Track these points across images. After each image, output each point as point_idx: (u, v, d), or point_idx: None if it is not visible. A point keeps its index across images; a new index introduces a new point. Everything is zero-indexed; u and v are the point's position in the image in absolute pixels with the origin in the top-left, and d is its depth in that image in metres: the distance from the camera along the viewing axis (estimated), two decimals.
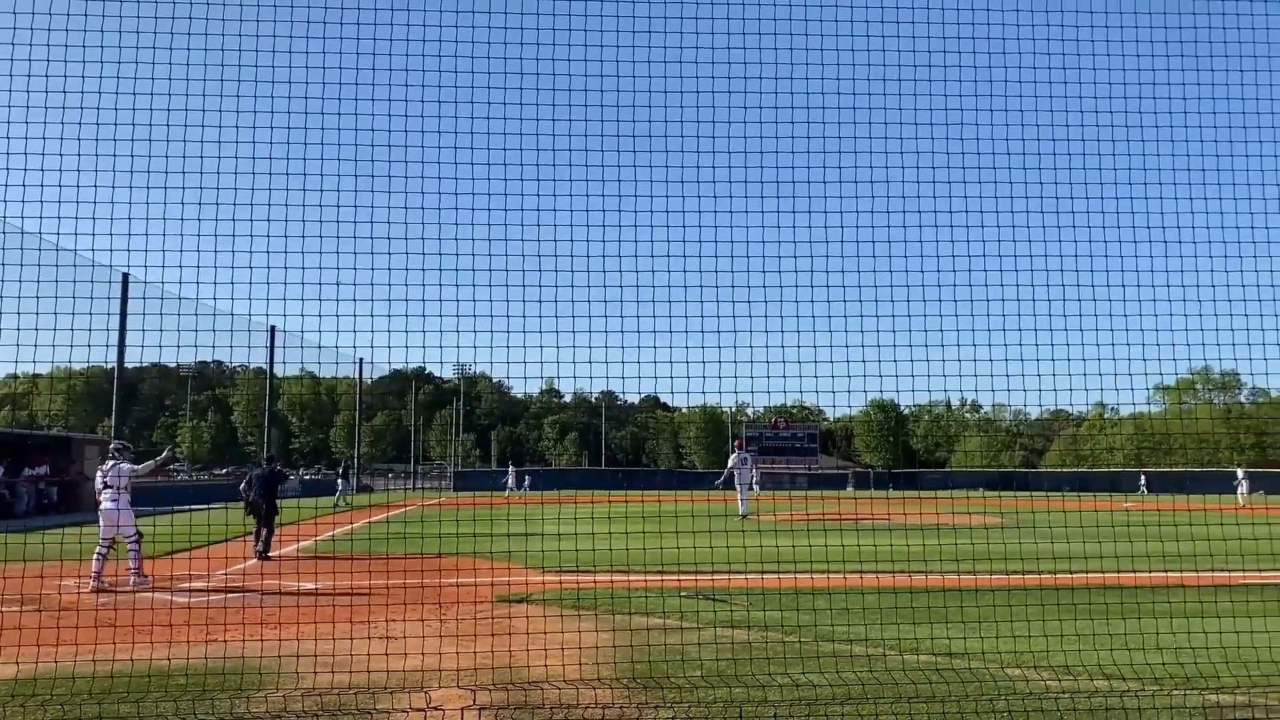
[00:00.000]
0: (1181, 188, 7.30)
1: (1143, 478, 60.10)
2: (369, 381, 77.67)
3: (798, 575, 9.94)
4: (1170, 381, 77.96)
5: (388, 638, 7.89)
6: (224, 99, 6.80)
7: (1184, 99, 7.19)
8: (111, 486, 12.89)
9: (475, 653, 7.84)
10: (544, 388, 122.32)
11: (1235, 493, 45.54)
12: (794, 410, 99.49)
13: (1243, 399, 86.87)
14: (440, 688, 6.84)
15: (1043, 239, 7.18)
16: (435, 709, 6.33)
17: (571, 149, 6.71)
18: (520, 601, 10.88)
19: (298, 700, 6.53)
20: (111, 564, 12.71)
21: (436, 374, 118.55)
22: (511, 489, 59.23)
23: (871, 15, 6.76)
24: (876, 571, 11.98)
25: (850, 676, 7.25)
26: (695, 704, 6.71)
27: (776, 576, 10.47)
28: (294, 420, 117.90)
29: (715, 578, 11.60)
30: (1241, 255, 7.31)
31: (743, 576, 11.26)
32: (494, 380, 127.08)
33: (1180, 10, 7.14)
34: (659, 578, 11.96)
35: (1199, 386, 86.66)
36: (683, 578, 11.52)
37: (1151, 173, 7.31)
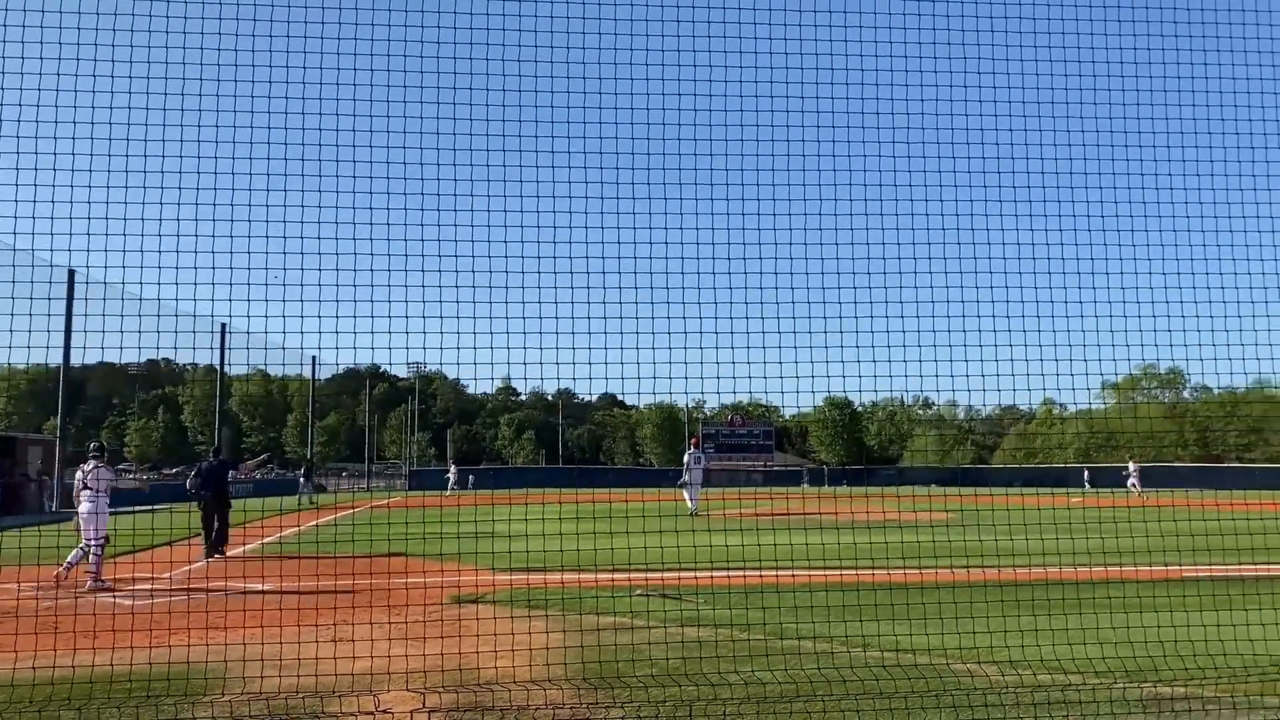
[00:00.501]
0: (1122, 191, 7.46)
1: (1086, 473, 61.01)
2: (322, 380, 76.79)
3: (748, 574, 10.01)
4: (1117, 379, 79.58)
5: (338, 640, 7.82)
6: (168, 96, 6.70)
7: (1136, 99, 7.35)
8: (91, 488, 12.92)
9: (427, 654, 7.80)
10: (500, 386, 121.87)
11: (1125, 485, 46.20)
12: (750, 407, 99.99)
13: (1187, 395, 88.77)
14: (390, 690, 6.80)
15: (986, 241, 7.30)
16: (384, 712, 6.30)
17: (522, 148, 6.72)
18: (473, 602, 10.84)
19: (245, 704, 6.46)
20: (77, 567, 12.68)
21: (391, 372, 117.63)
22: (454, 488, 57.64)
23: (805, 19, 6.83)
24: (827, 569, 12.11)
25: (801, 674, 7.32)
26: (647, 703, 6.74)
27: (729, 575, 10.54)
28: (245, 419, 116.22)
29: (669, 576, 11.65)
30: (1179, 258, 7.48)
31: (695, 575, 11.32)
32: (450, 378, 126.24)
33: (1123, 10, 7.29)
34: (613, 577, 11.97)
35: (1145, 384, 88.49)
36: (637, 576, 11.55)
37: (1093, 176, 7.46)
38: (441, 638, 8.23)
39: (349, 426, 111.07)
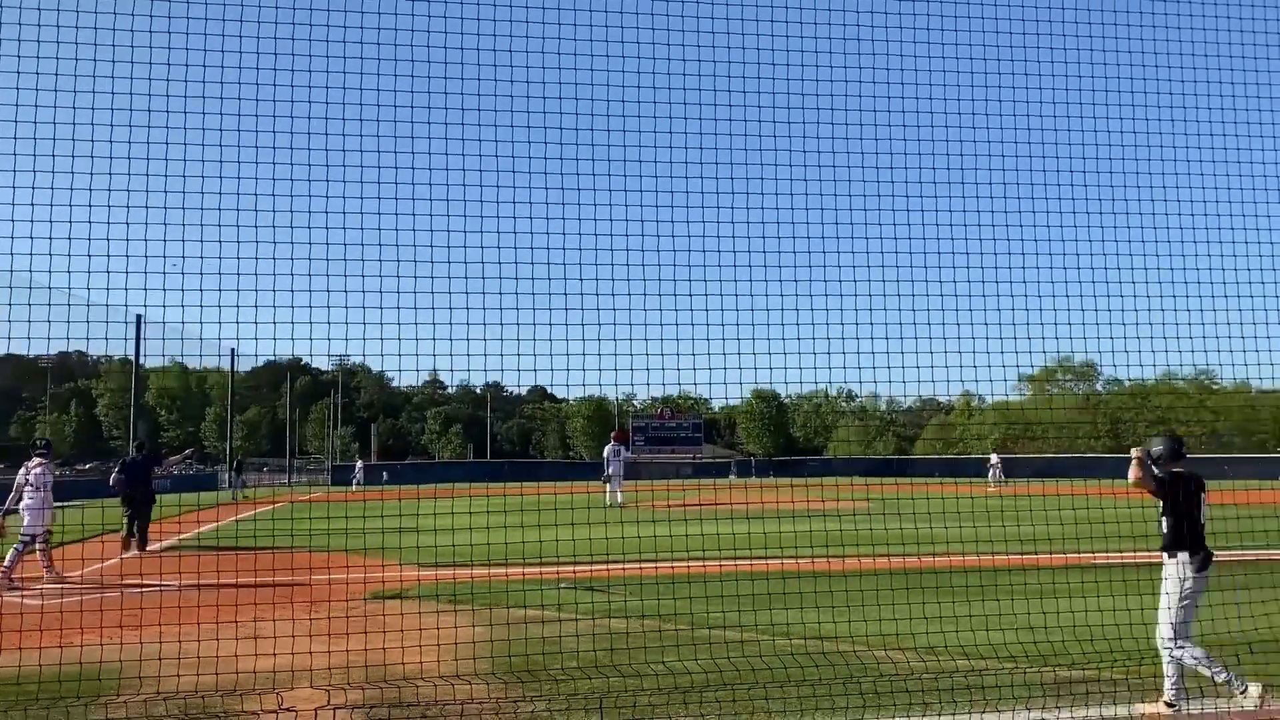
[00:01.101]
0: (1040, 189, 7.66)
1: (998, 461, 62.27)
2: (242, 373, 74.96)
3: (674, 564, 10.09)
4: (1033, 371, 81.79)
5: (255, 637, 7.68)
6: (78, 79, 6.47)
7: (1053, 96, 7.54)
8: (33, 485, 13.06)
9: (345, 651, 7.69)
10: (427, 379, 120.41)
11: (987, 476, 47.50)
12: (680, 400, 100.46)
13: (1099, 388, 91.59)
14: (294, 688, 6.70)
15: (908, 237, 7.45)
16: (287, 710, 6.20)
17: (449, 136, 6.62)
18: (393, 598, 10.71)
19: (155, 705, 6.31)
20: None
21: (313, 365, 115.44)
22: (359, 483, 54.88)
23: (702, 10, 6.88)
24: (751, 558, 12.24)
25: (724, 662, 7.39)
26: (569, 695, 6.75)
27: (654, 565, 10.60)
28: (163, 413, 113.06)
29: (594, 568, 11.66)
30: (1092, 253, 7.72)
31: (621, 566, 11.35)
32: (374, 371, 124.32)
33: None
34: (537, 570, 11.95)
35: (1059, 376, 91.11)
36: (561, 569, 11.54)
37: (1011, 173, 7.65)
38: (363, 632, 8.11)
39: (270, 420, 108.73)
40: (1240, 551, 13.81)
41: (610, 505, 26.45)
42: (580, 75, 6.59)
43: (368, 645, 7.20)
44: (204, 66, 6.35)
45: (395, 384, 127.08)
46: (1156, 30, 7.40)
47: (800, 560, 10.94)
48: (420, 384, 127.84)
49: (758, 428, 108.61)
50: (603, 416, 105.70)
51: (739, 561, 11.71)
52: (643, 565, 10.65)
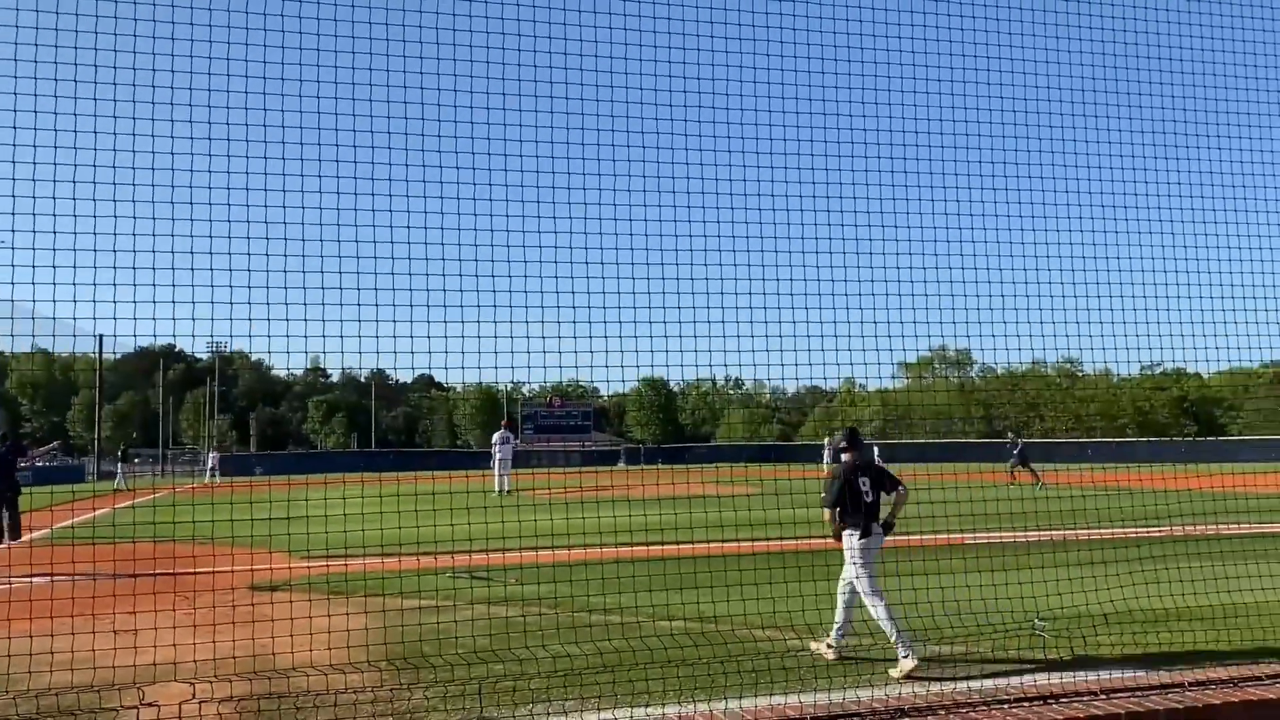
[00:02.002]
0: (913, 176, 7.89)
1: (875, 448, 64.09)
2: (111, 359, 71.63)
3: (556, 551, 10.09)
4: (911, 358, 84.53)
5: (132, 630, 7.35)
6: None
7: (926, 86, 7.76)
8: None
9: (225, 643, 7.46)
10: (308, 366, 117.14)
11: (820, 462, 49.22)
12: (569, 388, 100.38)
13: (974, 375, 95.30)
14: (163, 682, 6.45)
15: (787, 223, 7.58)
16: (149, 705, 5.98)
17: (321, 109, 6.39)
18: (275, 589, 10.44)
19: (13, 705, 5.99)
20: None
21: (188, 351, 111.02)
22: (214, 472, 51.74)
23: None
24: (635, 543, 12.32)
25: (606, 646, 7.43)
26: (454, 682, 6.69)
27: (538, 552, 10.59)
28: (25, 402, 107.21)
29: (480, 556, 11.57)
30: (961, 240, 7.99)
31: (505, 554, 11.29)
32: (252, 358, 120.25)
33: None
34: (423, 559, 11.77)
35: (936, 363, 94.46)
36: (446, 558, 11.40)
37: (887, 160, 7.85)
38: (246, 623, 7.86)
39: (142, 409, 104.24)
40: (1096, 530, 14.58)
41: (499, 492, 26.52)
42: (459, 37, 6.47)
43: (246, 637, 6.99)
44: (75, 32, 5.99)
45: (275, 371, 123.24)
46: (1009, 11, 7.68)
47: (683, 545, 11.09)
48: (302, 371, 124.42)
49: (646, 415, 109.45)
50: (491, 405, 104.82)
51: (624, 547, 11.77)
52: (523, 553, 10.64)
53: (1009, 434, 44.42)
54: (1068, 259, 7.92)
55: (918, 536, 12.45)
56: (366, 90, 6.39)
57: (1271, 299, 7.86)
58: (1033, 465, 32.89)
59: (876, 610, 7.65)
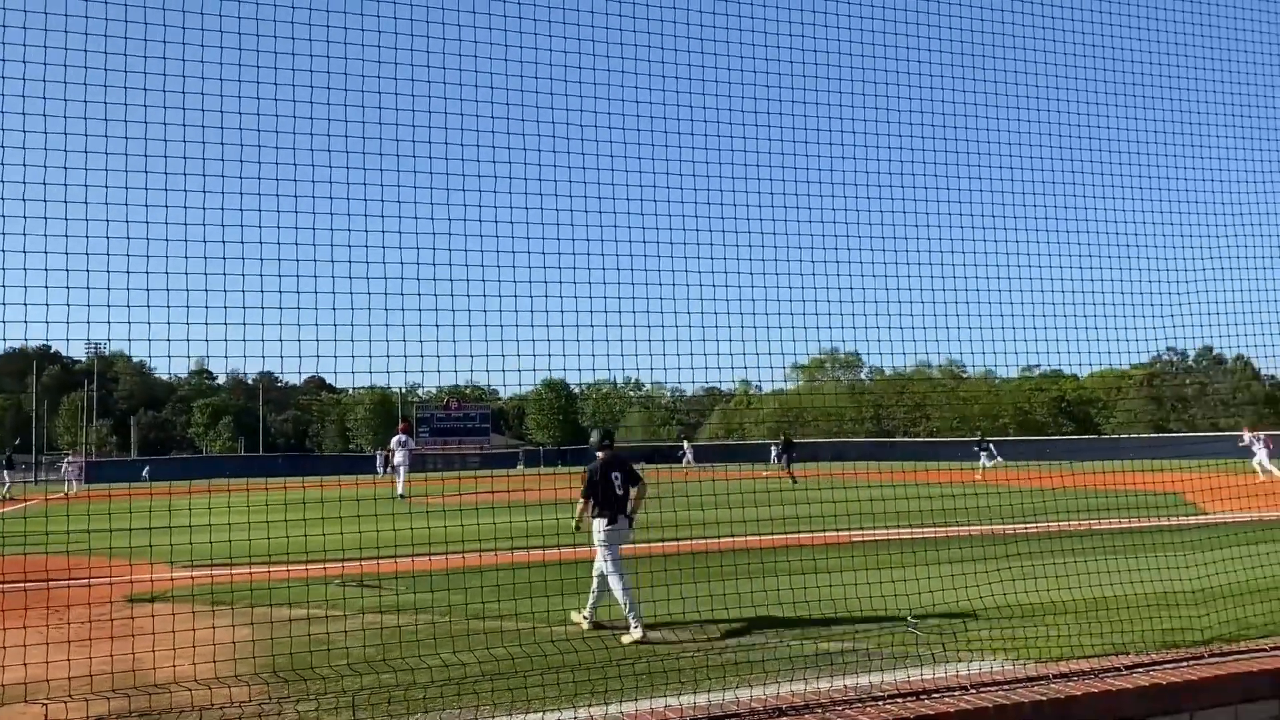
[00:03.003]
0: (802, 185, 8.06)
1: (773, 449, 65.19)
2: None
3: (449, 557, 9.96)
4: (804, 361, 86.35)
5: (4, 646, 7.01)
6: None
7: (814, 95, 7.93)
8: None
9: (100, 658, 7.15)
10: (193, 368, 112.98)
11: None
12: (467, 390, 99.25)
13: (863, 376, 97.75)
14: (5, 704, 6.18)
15: (682, 228, 7.66)
16: None
17: (223, 109, 6.18)
18: (151, 601, 10.06)
19: None
20: None
21: (64, 353, 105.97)
22: (73, 481, 49.23)
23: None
24: (528, 547, 12.30)
25: (501, 652, 7.40)
26: (340, 693, 6.58)
27: (430, 559, 10.43)
28: None
29: (370, 563, 11.36)
30: (847, 244, 8.19)
31: (394, 561, 11.07)
32: (134, 360, 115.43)
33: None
34: (310, 567, 11.50)
35: (828, 365, 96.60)
36: (335, 566, 11.18)
37: (778, 169, 7.99)
38: (113, 639, 7.57)
39: (15, 413, 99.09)
40: (993, 526, 15.13)
41: (399, 496, 26.10)
42: (350, 35, 6.37)
43: (122, 652, 6.74)
44: None
45: (158, 374, 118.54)
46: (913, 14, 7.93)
47: (579, 549, 11.09)
48: (186, 374, 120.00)
49: (546, 417, 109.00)
50: (386, 408, 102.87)
51: (518, 552, 11.73)
52: (415, 559, 10.45)
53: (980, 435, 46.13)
54: (950, 265, 8.20)
55: (808, 535, 12.76)
56: (254, 88, 6.23)
57: (1142, 304, 8.24)
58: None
59: (616, 585, 8.91)
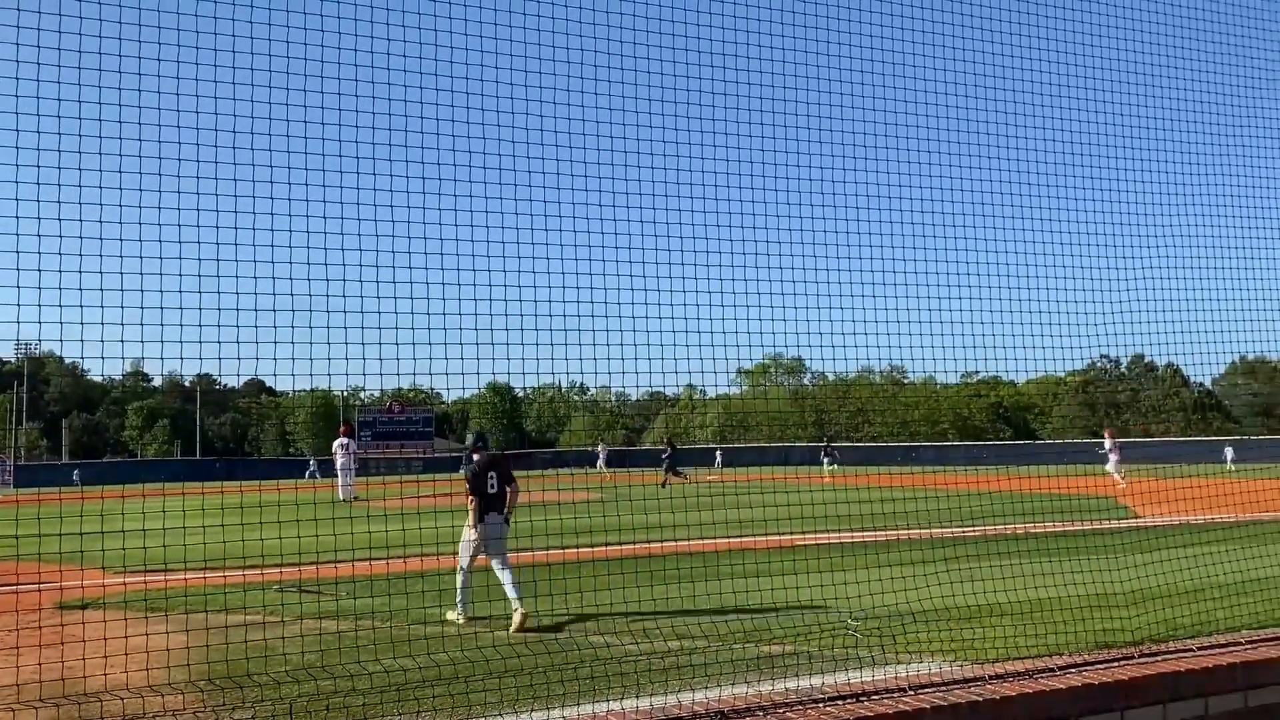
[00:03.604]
0: (746, 192, 8.12)
1: (719, 454, 65.74)
2: None
3: (391, 560, 9.87)
4: (749, 366, 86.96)
5: None
6: None
7: (758, 104, 8.00)
8: None
9: (27, 667, 6.95)
10: (128, 370, 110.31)
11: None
12: (410, 394, 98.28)
13: (807, 381, 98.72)
14: None
15: (627, 233, 7.68)
16: None
17: (160, 105, 6.06)
18: (83, 607, 9.83)
19: None
20: None
21: None
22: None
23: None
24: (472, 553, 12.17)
25: (443, 657, 7.35)
26: (279, 700, 6.47)
27: (370, 563, 10.33)
28: None
29: (310, 568, 11.19)
30: (790, 251, 8.28)
31: (335, 566, 10.92)
32: (66, 361, 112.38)
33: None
34: (249, 573, 11.32)
35: (772, 371, 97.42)
36: (274, 571, 11.01)
37: (723, 179, 8.06)
38: (57, 645, 7.36)
39: None
40: (917, 531, 15.36)
41: (345, 500, 25.89)
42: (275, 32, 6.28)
43: (51, 660, 6.55)
44: None
45: (91, 375, 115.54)
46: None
47: (522, 553, 11.06)
48: (121, 375, 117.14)
49: (491, 421, 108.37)
50: (327, 411, 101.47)
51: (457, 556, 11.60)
52: (355, 564, 10.35)
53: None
54: (893, 273, 8.32)
55: (750, 538, 12.84)
56: (193, 85, 6.12)
57: (1077, 313, 8.44)
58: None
59: (506, 578, 9.51)
